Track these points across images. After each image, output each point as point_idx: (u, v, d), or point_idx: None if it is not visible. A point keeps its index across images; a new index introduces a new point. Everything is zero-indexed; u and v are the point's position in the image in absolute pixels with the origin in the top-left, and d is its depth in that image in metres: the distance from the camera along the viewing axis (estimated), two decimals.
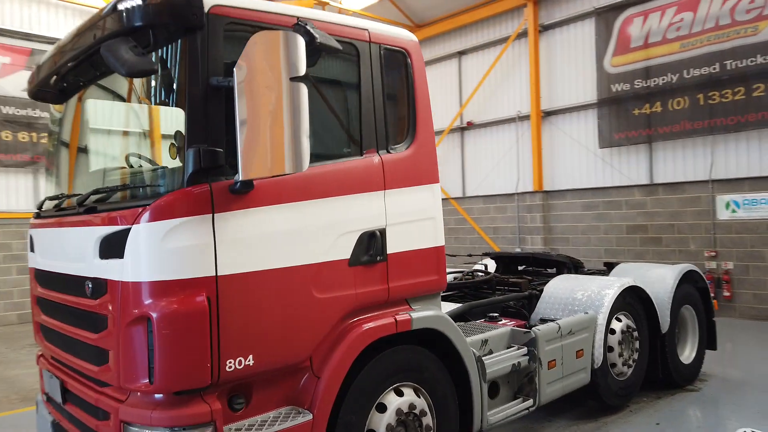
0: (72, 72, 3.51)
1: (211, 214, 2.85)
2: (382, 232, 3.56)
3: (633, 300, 5.71)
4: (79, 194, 3.41)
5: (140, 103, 3.37)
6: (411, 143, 3.81)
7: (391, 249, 3.61)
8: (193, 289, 2.79)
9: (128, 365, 2.83)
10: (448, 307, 5.25)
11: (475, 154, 14.89)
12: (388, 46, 3.76)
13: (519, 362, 4.44)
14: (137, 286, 2.81)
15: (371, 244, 3.49)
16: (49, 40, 12.02)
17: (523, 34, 13.57)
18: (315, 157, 3.25)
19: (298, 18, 3.17)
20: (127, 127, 3.61)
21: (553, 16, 13.02)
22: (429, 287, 3.88)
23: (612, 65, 11.76)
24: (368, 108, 3.60)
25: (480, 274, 6.38)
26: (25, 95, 11.90)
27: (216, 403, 2.87)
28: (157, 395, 2.84)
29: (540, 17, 13.23)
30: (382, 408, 3.53)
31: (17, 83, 11.72)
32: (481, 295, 6.00)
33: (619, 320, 5.54)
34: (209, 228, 2.84)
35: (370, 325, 3.44)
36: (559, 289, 5.64)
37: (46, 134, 12.34)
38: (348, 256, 3.39)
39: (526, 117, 13.55)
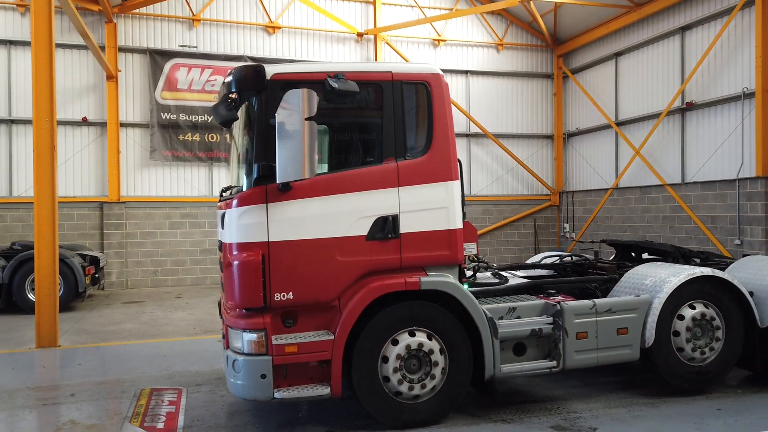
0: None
1: (265, 204, 4.70)
2: (395, 217, 4.96)
3: (717, 290, 5.79)
4: (226, 188, 5.59)
5: (244, 134, 5.32)
6: (427, 151, 5.08)
7: (404, 230, 4.98)
8: (254, 248, 4.69)
9: (229, 291, 4.87)
10: (519, 281, 6.22)
11: (696, 136, 13.94)
12: (409, 81, 5.09)
13: (541, 328, 5.30)
14: (228, 245, 4.85)
15: (385, 225, 4.92)
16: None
17: (749, 2, 12.29)
18: (342, 165, 4.87)
19: (327, 74, 4.77)
20: (242, 147, 5.59)
21: None
22: (443, 260, 5.11)
23: None
24: (389, 128, 5.00)
25: (578, 258, 7.00)
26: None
27: (268, 319, 4.72)
28: (240, 310, 4.82)
29: None
30: (396, 342, 4.95)
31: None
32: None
33: (693, 308, 5.73)
34: (264, 212, 4.69)
35: (383, 282, 4.90)
36: (636, 275, 6.05)
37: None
38: (365, 233, 4.89)
39: (753, 94, 12.29)
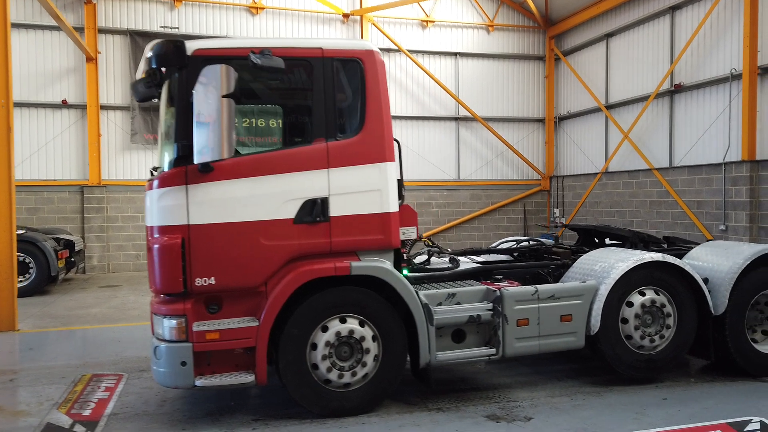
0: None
1: (185, 185, 4.53)
2: (324, 200, 4.78)
3: (669, 276, 5.59)
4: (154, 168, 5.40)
5: (166, 113, 5.13)
6: (359, 132, 4.89)
7: (334, 213, 4.81)
8: (173, 232, 4.54)
9: (150, 276, 4.73)
10: (472, 266, 6.05)
11: (684, 119, 13.62)
12: (341, 58, 4.88)
13: (479, 315, 5.14)
14: (149, 228, 4.70)
15: (313, 208, 4.75)
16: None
17: None
18: (269, 145, 4.67)
19: (251, 50, 4.58)
20: (165, 126, 5.31)
21: None
22: (376, 244, 4.94)
23: None
24: (319, 107, 4.81)
25: (534, 243, 6.81)
26: None
27: (189, 305, 4.58)
28: (163, 296, 4.69)
29: None
30: (325, 329, 4.81)
31: None
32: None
33: (643, 294, 5.54)
34: (183, 194, 4.53)
35: (311, 267, 4.74)
36: (588, 260, 5.86)
37: None
38: (293, 216, 4.73)
39: (740, 76, 11.94)
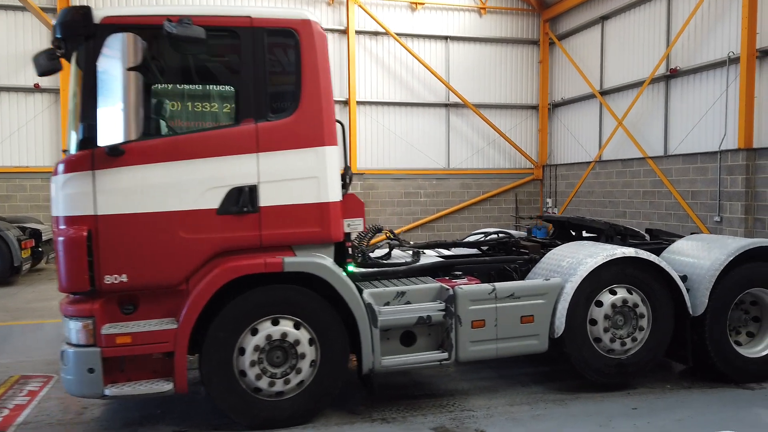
0: None
1: (91, 171, 4.03)
2: (253, 188, 4.28)
3: (643, 273, 5.09)
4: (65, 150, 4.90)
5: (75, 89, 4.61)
6: (294, 112, 4.37)
7: (264, 203, 4.30)
8: (78, 223, 4.04)
9: (58, 272, 4.24)
10: (434, 260, 5.54)
11: (680, 105, 13.03)
12: (273, 28, 4.35)
13: (429, 316, 4.64)
14: (54, 219, 4.21)
15: (240, 197, 4.25)
16: None
17: None
18: (191, 126, 4.16)
19: (167, 18, 4.05)
20: (72, 104, 4.78)
21: None
22: (313, 238, 4.44)
23: None
24: (247, 83, 4.30)
25: (503, 235, 6.30)
26: None
27: (98, 305, 4.10)
28: (72, 294, 4.21)
29: None
30: (255, 332, 4.32)
31: None
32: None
33: (614, 293, 5.04)
34: (90, 181, 4.03)
35: (238, 263, 4.25)
36: (556, 255, 5.36)
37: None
38: (217, 206, 4.22)
39: (738, 60, 11.34)
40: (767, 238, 5.41)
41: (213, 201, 4.23)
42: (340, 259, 4.70)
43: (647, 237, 6.62)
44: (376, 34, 16.32)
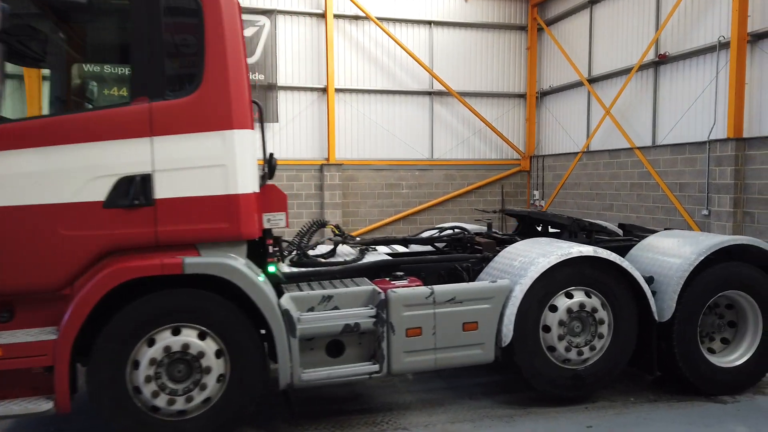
0: None
1: None
2: (147, 177, 3.72)
3: (604, 275, 4.54)
4: None
5: None
6: (196, 90, 3.80)
7: (160, 194, 3.75)
8: None
9: None
10: (380, 258, 5.00)
11: (669, 93, 12.42)
12: None
13: (357, 323, 4.10)
14: None
15: (131, 188, 3.70)
16: None
17: None
18: (72, 106, 3.59)
19: None
20: None
21: None
22: (218, 235, 3.89)
23: None
24: (140, 56, 3.73)
25: (459, 231, 5.74)
26: None
27: None
28: None
29: None
30: (152, 343, 3.78)
31: None
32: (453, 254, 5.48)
33: (571, 296, 4.50)
34: None
35: (129, 264, 3.70)
36: (509, 254, 4.82)
37: None
38: (103, 198, 3.67)
39: (729, 44, 10.74)
40: (751, 236, 4.86)
41: (99, 192, 3.68)
42: (259, 259, 4.16)
43: (620, 232, 6.09)
44: (356, 18, 15.67)
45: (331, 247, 5.21)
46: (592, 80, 14.77)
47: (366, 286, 4.33)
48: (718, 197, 10.83)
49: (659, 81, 12.72)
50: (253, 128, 4.07)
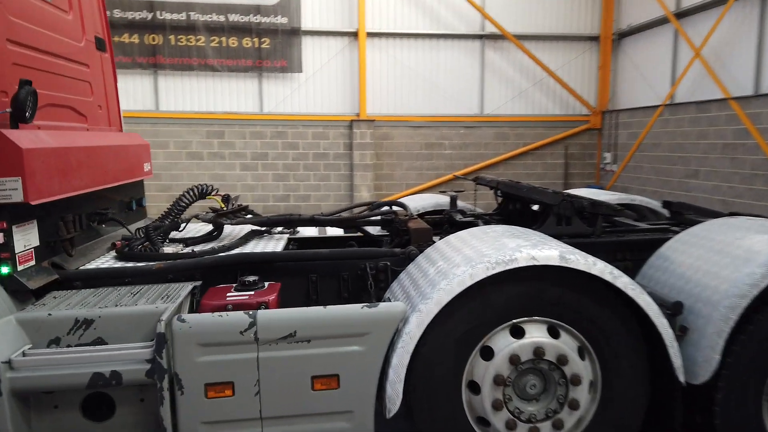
0: None
1: None
2: None
3: (584, 299, 2.53)
4: None
5: None
6: None
7: None
8: None
9: None
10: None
11: None
12: None
13: (116, 372, 2.38)
14: None
15: None
16: None
17: None
18: None
19: None
20: None
21: None
22: None
23: None
24: None
25: (387, 211, 3.83)
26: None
27: None
28: None
29: None
30: None
31: None
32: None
33: (520, 334, 2.53)
34: None
35: None
36: (433, 254, 2.89)
37: (267, 39, 13.07)
38: None
39: None
40: None
41: None
42: None
43: (666, 213, 3.95)
44: None
45: (209, 227, 3.53)
46: (680, 14, 11.84)
47: (145, 307, 2.56)
48: None
49: (766, 11, 9.76)
50: None
